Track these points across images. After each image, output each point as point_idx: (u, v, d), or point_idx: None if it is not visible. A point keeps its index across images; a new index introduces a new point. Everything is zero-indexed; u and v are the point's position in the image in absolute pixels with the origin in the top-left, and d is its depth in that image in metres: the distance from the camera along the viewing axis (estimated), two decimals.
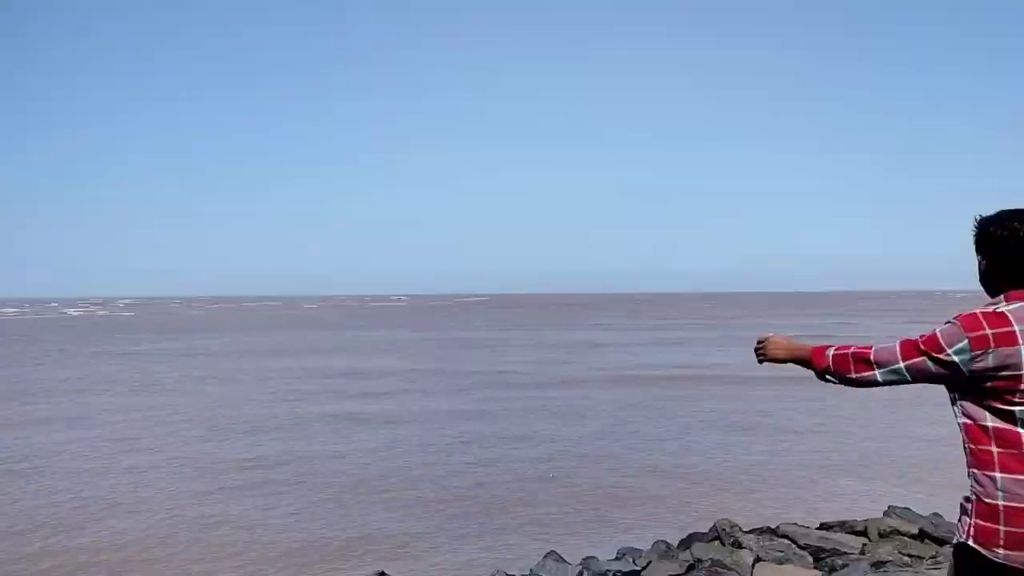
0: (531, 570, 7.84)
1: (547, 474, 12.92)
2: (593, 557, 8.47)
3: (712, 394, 22.03)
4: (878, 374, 2.52)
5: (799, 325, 60.13)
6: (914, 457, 13.48)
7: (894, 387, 2.61)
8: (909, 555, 8.30)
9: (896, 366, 2.49)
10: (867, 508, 10.40)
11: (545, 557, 8.27)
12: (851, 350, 2.60)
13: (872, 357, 2.53)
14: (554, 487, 12.11)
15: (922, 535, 8.96)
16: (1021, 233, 2.40)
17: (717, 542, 8.99)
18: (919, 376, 2.49)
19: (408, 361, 33.41)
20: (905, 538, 8.93)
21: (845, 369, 2.59)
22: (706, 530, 9.44)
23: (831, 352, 2.64)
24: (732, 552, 8.39)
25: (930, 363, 2.43)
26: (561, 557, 8.31)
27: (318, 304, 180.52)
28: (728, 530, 9.16)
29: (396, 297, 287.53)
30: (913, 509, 9.82)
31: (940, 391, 2.58)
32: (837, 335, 46.28)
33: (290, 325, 74.84)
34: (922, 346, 2.44)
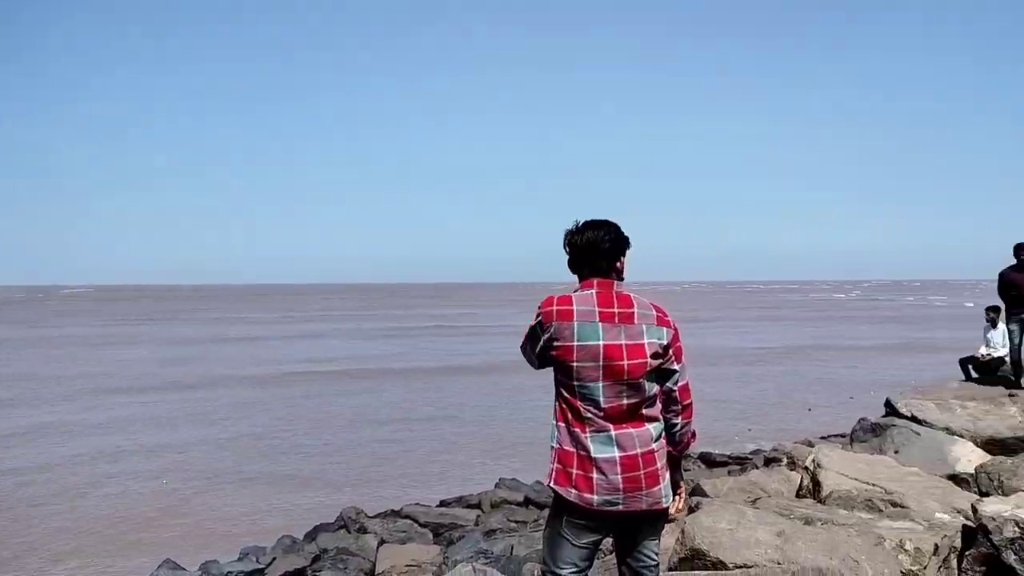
0: None
1: (163, 484, 11.98)
2: (214, 560, 8.04)
3: (342, 389, 22.18)
4: (524, 354, 3.06)
5: (423, 315, 62.92)
6: (522, 434, 14.89)
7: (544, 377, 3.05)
8: (516, 521, 9.19)
9: (522, 345, 3.03)
10: (482, 483, 11.28)
11: (159, 567, 7.66)
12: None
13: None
14: (171, 501, 11.22)
15: (527, 502, 9.98)
16: (575, 242, 2.99)
17: (343, 530, 9.09)
18: (529, 348, 2.98)
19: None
20: (513, 506, 9.88)
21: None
22: (332, 520, 9.50)
23: None
24: (357, 538, 8.55)
25: (527, 337, 2.98)
26: (177, 564, 7.77)
27: None
28: (354, 517, 9.32)
29: None
30: (520, 479, 10.90)
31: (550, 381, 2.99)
32: (454, 324, 49.54)
33: None
34: (528, 326, 2.99)
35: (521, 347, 3.05)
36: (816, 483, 5.85)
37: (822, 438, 12.34)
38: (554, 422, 2.93)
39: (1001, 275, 9.31)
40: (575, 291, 2.96)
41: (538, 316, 2.91)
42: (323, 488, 11.71)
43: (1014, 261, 9.21)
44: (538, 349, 2.93)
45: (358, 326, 51.33)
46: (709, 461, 12.03)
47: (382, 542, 8.36)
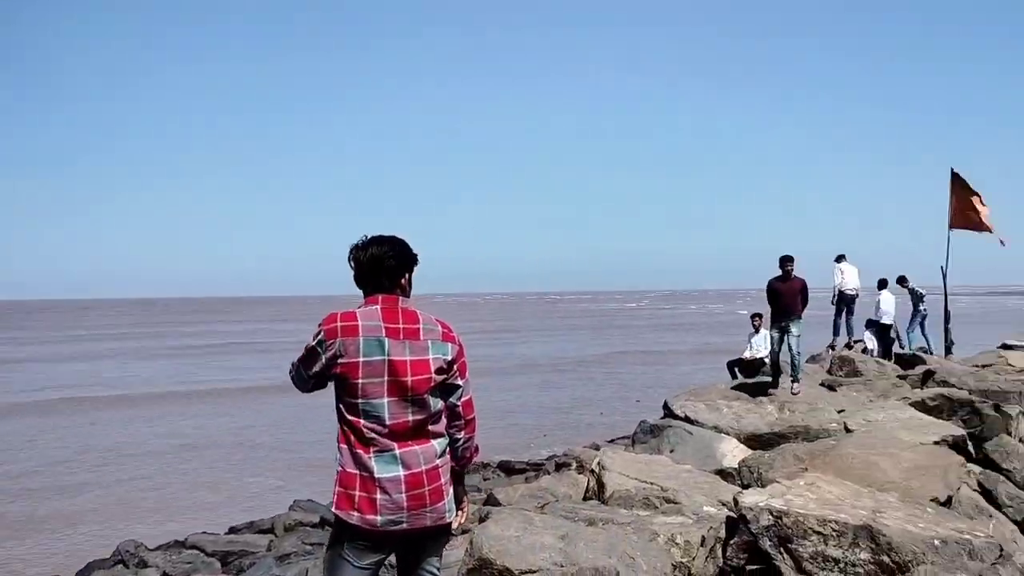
0: None
1: None
2: None
3: (115, 416, 20.38)
4: (293, 377, 2.95)
5: (209, 332, 59.55)
6: (317, 454, 14.43)
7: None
8: (311, 544, 8.88)
9: (293, 363, 2.92)
10: (276, 506, 10.82)
11: None
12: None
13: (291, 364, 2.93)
14: None
15: (323, 523, 9.69)
16: (359, 258, 2.95)
17: (121, 566, 8.41)
18: (306, 367, 2.87)
19: None
20: (308, 528, 9.56)
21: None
22: (108, 555, 8.76)
23: None
24: (137, 573, 7.96)
25: (302, 359, 2.88)
26: None
27: None
28: (133, 551, 8.64)
29: None
30: (316, 500, 10.56)
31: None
32: (245, 341, 47.39)
33: None
34: (305, 347, 2.87)
35: (292, 368, 2.94)
36: (600, 484, 6.15)
37: (609, 441, 13.02)
38: (337, 444, 2.88)
39: (768, 285, 10.16)
40: (359, 307, 2.93)
41: (319, 333, 2.83)
42: (94, 523, 10.72)
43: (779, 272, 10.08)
44: (318, 368, 2.83)
45: (140, 345, 47.65)
46: (508, 469, 12.31)
47: (165, 575, 7.82)
